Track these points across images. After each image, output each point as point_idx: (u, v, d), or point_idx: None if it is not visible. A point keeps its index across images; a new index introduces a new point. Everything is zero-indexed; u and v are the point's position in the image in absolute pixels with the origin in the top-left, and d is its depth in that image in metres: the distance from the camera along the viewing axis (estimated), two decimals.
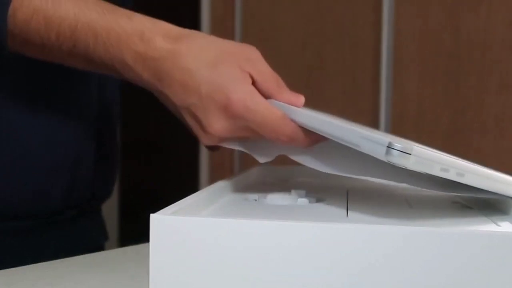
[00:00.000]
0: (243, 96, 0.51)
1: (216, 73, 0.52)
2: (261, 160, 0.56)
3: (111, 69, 0.56)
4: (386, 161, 0.38)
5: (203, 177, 2.16)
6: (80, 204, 0.73)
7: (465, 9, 1.59)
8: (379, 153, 0.38)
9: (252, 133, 0.53)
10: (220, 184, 0.50)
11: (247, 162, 1.97)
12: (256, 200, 0.52)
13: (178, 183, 2.07)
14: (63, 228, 0.72)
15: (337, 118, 0.52)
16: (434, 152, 0.40)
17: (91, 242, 0.70)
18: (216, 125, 0.52)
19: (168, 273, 0.35)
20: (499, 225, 0.41)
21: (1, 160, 0.64)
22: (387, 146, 0.38)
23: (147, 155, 2.42)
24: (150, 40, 0.53)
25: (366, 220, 0.42)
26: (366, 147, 0.40)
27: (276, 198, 0.52)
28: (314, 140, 0.52)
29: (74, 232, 0.74)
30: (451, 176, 0.39)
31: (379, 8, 1.67)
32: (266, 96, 0.53)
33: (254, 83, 0.53)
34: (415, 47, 1.67)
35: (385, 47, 1.68)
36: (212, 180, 1.86)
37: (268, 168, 0.68)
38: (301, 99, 0.54)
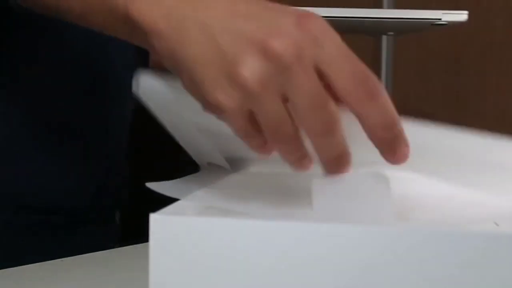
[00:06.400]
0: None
1: None
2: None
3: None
4: None
5: None
6: (80, 211, 0.74)
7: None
8: None
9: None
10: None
11: None
12: None
13: None
14: (63, 231, 0.73)
15: None
16: None
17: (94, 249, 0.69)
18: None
19: (168, 273, 0.35)
20: (498, 225, 0.41)
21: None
22: None
23: (147, 155, 2.42)
24: None
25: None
26: None
27: None
28: None
29: (75, 238, 0.74)
30: None
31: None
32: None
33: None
34: (415, 47, 1.67)
35: (385, 47, 1.68)
36: None
37: None
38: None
